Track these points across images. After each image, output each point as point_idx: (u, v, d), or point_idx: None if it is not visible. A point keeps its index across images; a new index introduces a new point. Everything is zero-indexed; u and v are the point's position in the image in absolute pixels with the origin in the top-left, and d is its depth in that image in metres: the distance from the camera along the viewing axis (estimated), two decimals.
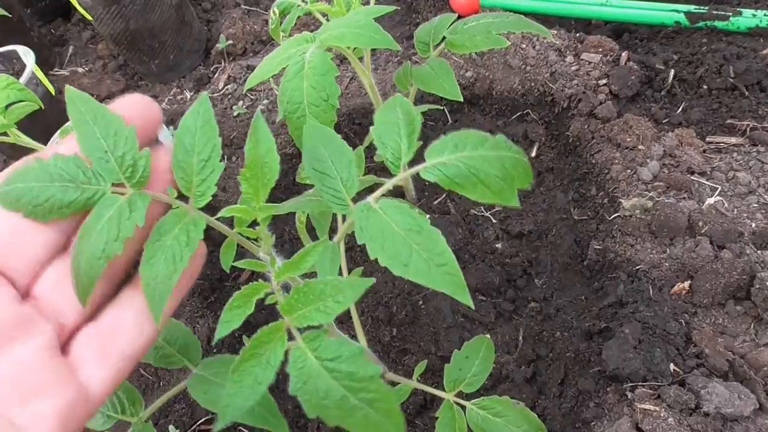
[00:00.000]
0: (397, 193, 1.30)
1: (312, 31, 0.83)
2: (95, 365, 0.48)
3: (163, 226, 0.53)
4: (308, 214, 1.02)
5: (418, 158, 0.68)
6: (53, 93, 1.33)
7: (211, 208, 0.63)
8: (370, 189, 0.75)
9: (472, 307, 0.59)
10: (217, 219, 0.60)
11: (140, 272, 0.51)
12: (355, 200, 0.67)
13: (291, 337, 0.56)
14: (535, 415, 0.92)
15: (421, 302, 1.20)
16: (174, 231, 0.53)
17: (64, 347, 0.49)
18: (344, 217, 0.69)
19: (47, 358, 0.46)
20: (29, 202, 0.51)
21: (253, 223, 0.62)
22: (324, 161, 0.67)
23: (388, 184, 0.68)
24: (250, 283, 0.60)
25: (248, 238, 0.64)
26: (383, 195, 0.67)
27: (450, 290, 0.59)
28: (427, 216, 0.88)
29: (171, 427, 1.06)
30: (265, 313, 0.88)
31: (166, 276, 0.51)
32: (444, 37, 0.97)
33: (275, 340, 0.55)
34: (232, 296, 0.58)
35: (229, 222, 0.64)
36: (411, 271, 0.59)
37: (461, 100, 0.91)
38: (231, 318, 0.57)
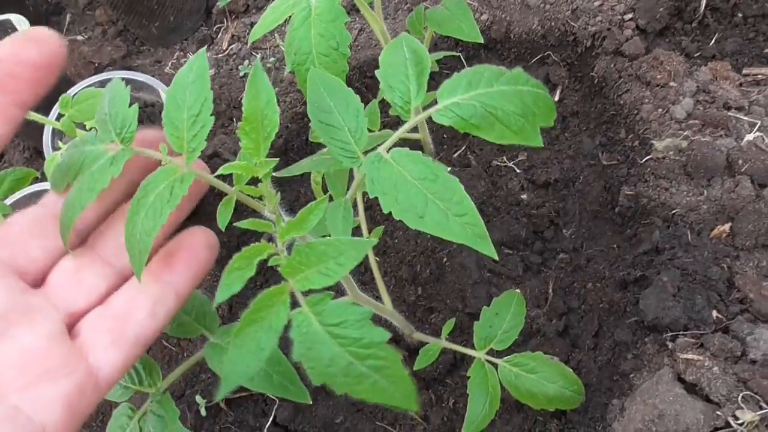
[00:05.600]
0: (416, 147, 1.25)
1: None
2: (106, 349, 0.47)
3: (150, 183, 0.51)
4: (324, 174, 0.98)
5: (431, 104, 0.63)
6: None
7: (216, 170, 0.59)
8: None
9: (496, 257, 0.55)
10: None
11: (125, 229, 0.50)
12: (366, 153, 0.62)
13: (295, 301, 0.53)
14: (570, 370, 0.89)
15: (445, 259, 1.16)
16: (159, 188, 0.51)
17: (73, 330, 0.48)
18: None
19: (54, 343, 0.45)
20: (54, 176, 0.54)
21: (256, 180, 0.59)
22: (330, 112, 0.63)
23: (400, 131, 0.63)
24: (252, 244, 0.57)
25: (252, 197, 0.60)
26: (397, 146, 0.62)
27: (471, 241, 0.55)
28: (448, 169, 0.83)
29: (198, 397, 1.05)
30: None
31: (146, 232, 0.49)
32: None
33: (278, 303, 0.52)
34: (233, 258, 0.55)
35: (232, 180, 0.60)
36: (428, 223, 0.55)
37: (481, 41, 0.85)
38: (232, 281, 0.54)
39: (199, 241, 0.55)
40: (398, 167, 0.58)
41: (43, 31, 0.44)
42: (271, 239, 0.60)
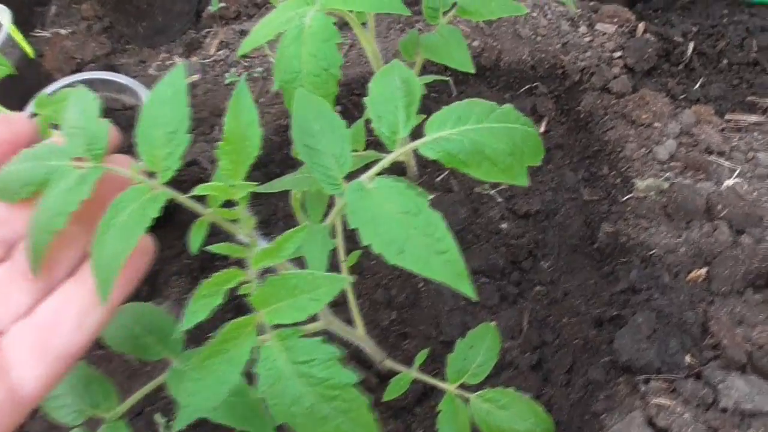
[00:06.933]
0: (399, 169, 1.24)
1: None
2: (28, 364, 0.44)
3: (120, 202, 0.49)
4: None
5: (418, 133, 0.62)
6: (31, 55, 1.24)
7: (199, 182, 0.57)
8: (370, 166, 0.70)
9: (475, 298, 0.54)
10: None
11: (91, 250, 0.47)
12: (349, 179, 0.61)
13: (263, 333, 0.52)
14: (542, 408, 0.87)
15: (421, 284, 1.15)
16: (130, 207, 0.48)
17: None
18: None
19: None
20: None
21: (231, 203, 0.57)
22: (314, 135, 0.62)
23: (384, 161, 0.62)
24: (222, 270, 0.55)
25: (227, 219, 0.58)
26: (380, 173, 0.61)
27: (450, 280, 0.54)
28: (430, 197, 0.82)
29: (157, 416, 1.02)
30: None
31: (115, 255, 0.46)
32: (455, 2, 0.89)
33: (244, 335, 0.51)
34: (200, 284, 0.53)
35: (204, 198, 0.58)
36: (407, 259, 0.54)
37: (473, 71, 0.84)
38: (198, 308, 0.52)
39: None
40: (380, 198, 0.56)
41: (15, 115, 0.51)
42: (242, 264, 0.58)
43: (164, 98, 0.53)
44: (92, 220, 0.49)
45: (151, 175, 0.53)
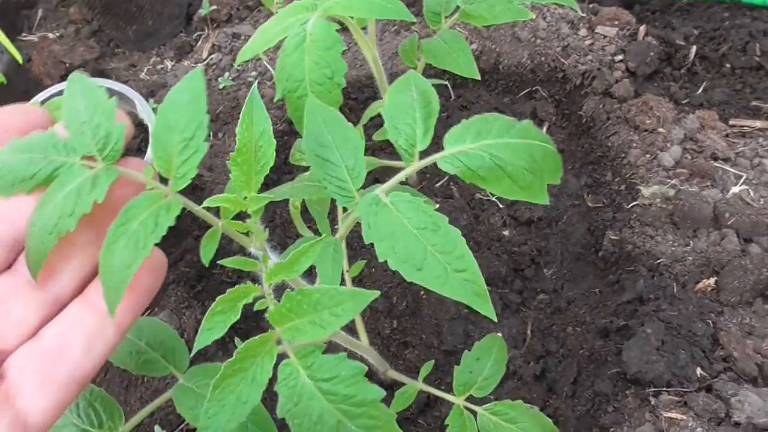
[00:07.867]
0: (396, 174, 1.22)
1: None
2: (35, 392, 0.42)
3: (132, 208, 0.46)
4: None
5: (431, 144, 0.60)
6: (20, 61, 1.21)
7: (194, 189, 0.55)
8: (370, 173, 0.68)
9: (495, 319, 0.53)
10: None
11: (99, 258, 0.44)
12: (361, 190, 0.60)
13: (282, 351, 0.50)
14: (550, 421, 0.85)
15: (422, 292, 1.12)
16: (143, 215, 0.46)
17: (1, 370, 0.43)
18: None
19: None
20: None
21: (243, 214, 0.54)
22: (328, 146, 0.60)
23: (401, 174, 0.60)
24: (237, 286, 0.53)
25: (239, 231, 0.56)
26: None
27: (470, 300, 0.53)
28: (436, 206, 0.80)
29: (157, 427, 0.99)
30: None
31: (125, 264, 0.44)
32: (458, 6, 0.87)
33: (264, 353, 0.49)
34: (216, 300, 0.51)
35: (217, 209, 0.56)
36: (426, 277, 0.52)
37: (478, 77, 0.82)
38: (214, 325, 0.50)
39: (144, 264, 0.48)
40: (398, 214, 0.54)
41: (32, 107, 0.49)
42: (251, 276, 0.56)
43: (181, 102, 0.50)
44: (99, 228, 0.45)
45: (163, 181, 0.50)
